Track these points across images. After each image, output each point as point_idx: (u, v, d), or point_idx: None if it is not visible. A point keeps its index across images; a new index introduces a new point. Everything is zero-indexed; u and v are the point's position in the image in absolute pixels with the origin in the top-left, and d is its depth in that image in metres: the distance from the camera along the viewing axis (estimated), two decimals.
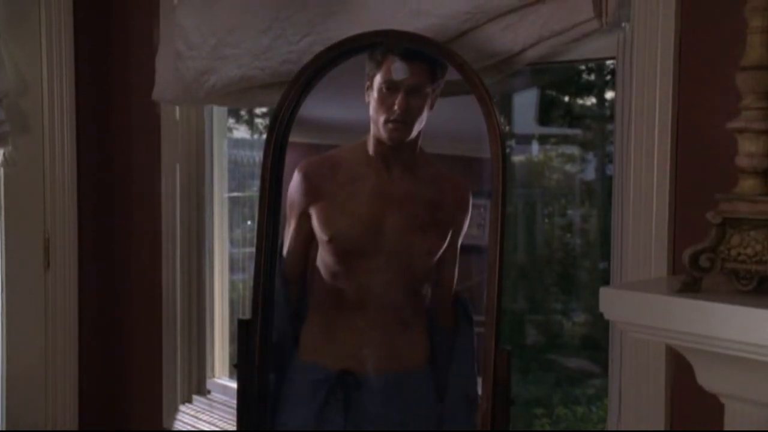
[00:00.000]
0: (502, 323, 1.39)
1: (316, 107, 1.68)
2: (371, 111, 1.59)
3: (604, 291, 1.16)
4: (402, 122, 1.57)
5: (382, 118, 1.57)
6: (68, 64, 2.46)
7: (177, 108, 2.28)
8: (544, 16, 1.46)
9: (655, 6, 1.36)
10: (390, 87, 1.55)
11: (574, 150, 3.85)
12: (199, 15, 2.04)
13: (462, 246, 1.78)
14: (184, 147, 2.29)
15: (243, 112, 2.69)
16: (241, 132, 2.86)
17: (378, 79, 1.56)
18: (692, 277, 1.10)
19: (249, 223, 2.51)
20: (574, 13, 1.43)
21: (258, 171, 2.49)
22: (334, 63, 1.59)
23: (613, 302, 1.16)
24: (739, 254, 1.07)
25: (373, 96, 1.57)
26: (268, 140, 1.62)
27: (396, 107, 1.55)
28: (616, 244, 1.47)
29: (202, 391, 2.33)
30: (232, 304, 2.39)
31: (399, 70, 1.55)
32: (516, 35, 1.50)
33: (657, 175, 1.38)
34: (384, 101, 1.56)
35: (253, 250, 2.46)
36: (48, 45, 2.43)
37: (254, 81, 1.90)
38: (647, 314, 1.11)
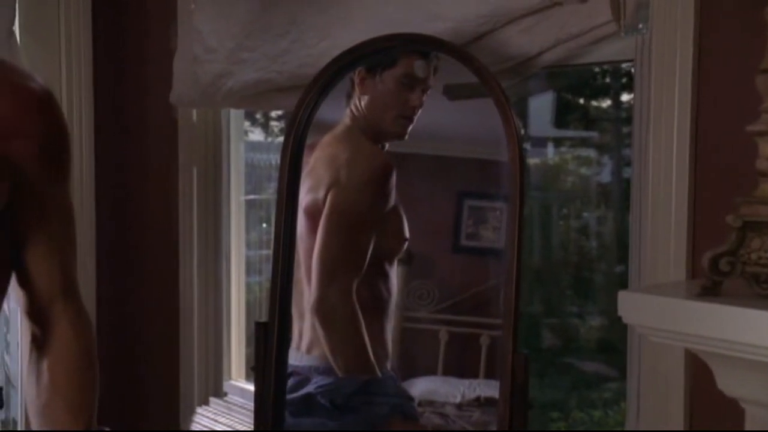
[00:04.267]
0: (519, 327, 1.39)
1: (332, 109, 1.69)
2: (374, 103, 1.60)
3: (622, 295, 1.16)
4: (411, 120, 1.58)
5: (392, 113, 1.59)
6: (87, 68, 2.48)
7: (194, 111, 2.28)
8: (561, 19, 1.46)
9: (674, 8, 1.36)
10: (407, 83, 1.56)
11: (589, 153, 3.85)
12: (216, 19, 2.05)
13: (478, 249, 1.78)
14: (201, 150, 2.30)
15: (258, 115, 2.71)
16: (257, 135, 2.87)
17: (393, 73, 1.57)
18: (712, 281, 1.09)
19: (264, 225, 2.52)
20: (592, 15, 1.43)
21: (273, 174, 2.52)
22: (351, 66, 1.59)
23: (631, 306, 1.15)
24: (759, 258, 1.07)
25: (381, 89, 1.58)
26: (285, 143, 1.63)
27: (412, 104, 1.57)
28: (634, 247, 1.46)
29: (219, 393, 2.34)
30: (248, 306, 2.39)
31: (420, 67, 1.56)
32: (533, 38, 1.50)
33: (676, 178, 1.37)
34: (398, 96, 1.57)
35: (269, 252, 2.48)
36: (67, 49, 2.45)
37: (271, 84, 1.91)
38: (667, 318, 1.10)
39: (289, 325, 1.66)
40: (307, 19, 1.82)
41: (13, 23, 2.31)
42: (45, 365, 1.15)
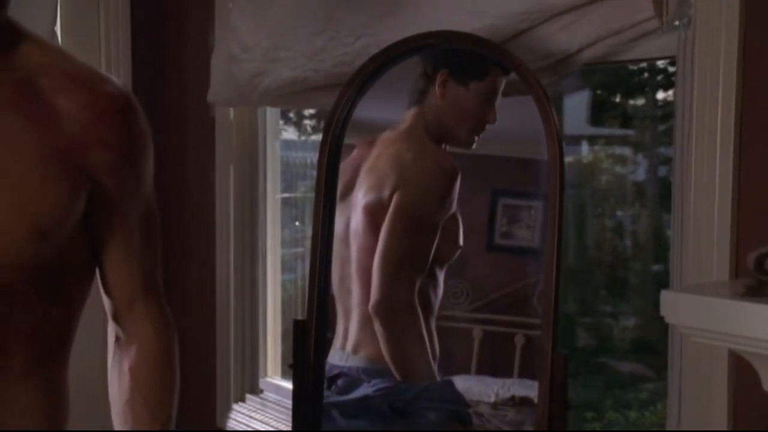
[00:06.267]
0: (561, 327, 1.38)
1: (369, 108, 1.69)
2: (453, 110, 1.60)
3: (665, 295, 1.15)
4: (481, 133, 1.60)
5: (469, 124, 1.59)
6: (125, 67, 2.50)
7: (231, 110, 2.30)
8: (602, 16, 1.44)
9: (718, 3, 1.34)
10: (490, 99, 1.57)
11: (624, 151, 3.81)
12: (253, 18, 2.06)
13: (512, 247, 1.77)
14: (238, 148, 2.31)
15: (292, 114, 2.71)
16: (290, 133, 2.88)
17: (481, 86, 1.57)
18: (757, 280, 1.07)
19: (297, 223, 2.53)
20: (634, 11, 1.41)
21: (306, 172, 2.52)
22: (390, 64, 1.59)
23: (674, 306, 1.14)
24: None
25: (465, 98, 1.58)
26: (323, 142, 1.63)
27: (489, 119, 1.57)
28: (675, 247, 1.44)
29: (255, 390, 2.35)
30: (282, 304, 2.40)
31: (502, 83, 1.57)
32: (573, 35, 1.48)
33: (719, 176, 1.35)
34: (480, 109, 1.57)
35: (301, 250, 2.48)
36: (106, 49, 2.48)
37: (308, 83, 1.91)
38: (711, 319, 1.09)
39: (327, 323, 1.66)
40: (344, 17, 1.82)
41: (54, 24, 2.34)
42: (126, 366, 1.15)
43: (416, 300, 1.60)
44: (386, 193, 1.62)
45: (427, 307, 1.64)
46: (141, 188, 1.12)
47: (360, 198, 1.67)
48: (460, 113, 1.59)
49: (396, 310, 1.60)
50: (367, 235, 1.65)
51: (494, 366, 1.80)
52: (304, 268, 2.45)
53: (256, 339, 2.34)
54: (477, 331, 1.76)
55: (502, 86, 1.58)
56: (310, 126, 2.86)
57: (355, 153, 1.73)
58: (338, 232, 1.71)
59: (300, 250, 2.52)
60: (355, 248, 1.68)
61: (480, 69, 1.56)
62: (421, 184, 1.62)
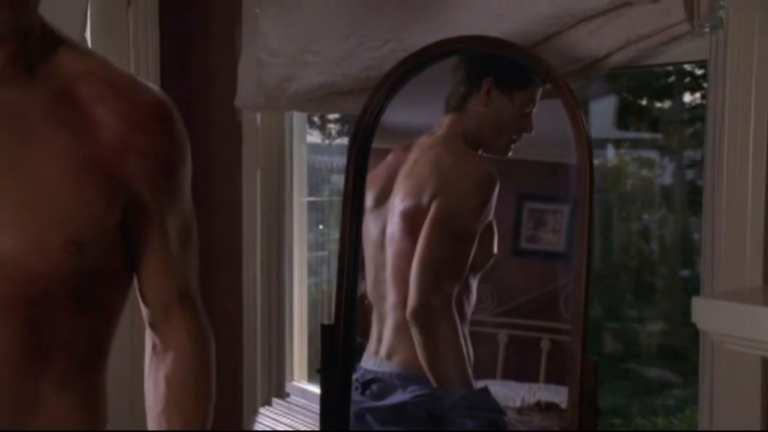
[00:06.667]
0: (588, 333, 1.37)
1: (396, 112, 1.69)
2: (495, 118, 1.60)
3: (696, 301, 1.14)
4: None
5: (510, 133, 1.59)
6: (154, 74, 2.52)
7: (258, 114, 2.31)
8: (632, 20, 1.43)
9: (750, 5, 1.33)
10: (528, 108, 1.57)
11: (650, 155, 3.78)
12: (280, 22, 2.07)
13: (538, 252, 1.76)
14: (265, 153, 2.32)
15: (316, 118, 2.72)
16: (314, 137, 2.88)
17: (524, 96, 1.57)
18: None
19: (321, 227, 2.53)
20: (664, 15, 1.40)
21: (330, 176, 2.53)
22: (418, 69, 1.58)
23: (707, 313, 1.13)
24: None
25: (507, 108, 1.58)
26: (350, 146, 1.63)
27: (527, 129, 1.58)
28: (706, 252, 1.43)
29: (282, 394, 2.35)
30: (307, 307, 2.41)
31: (539, 94, 1.57)
32: (602, 39, 1.47)
33: (752, 181, 1.34)
34: (516, 118, 1.58)
35: (325, 253, 2.49)
36: (135, 54, 2.50)
37: (335, 87, 1.92)
38: (744, 326, 1.08)
39: (355, 328, 1.66)
40: (371, 21, 1.82)
41: (84, 29, 2.37)
42: (162, 374, 1.15)
43: (454, 307, 1.60)
44: (425, 199, 1.62)
45: (460, 315, 1.64)
46: (178, 197, 1.12)
47: (397, 203, 1.67)
48: (501, 122, 1.59)
49: (434, 317, 1.61)
50: (404, 240, 1.65)
51: (520, 371, 1.79)
52: (329, 272, 2.46)
53: (282, 342, 2.34)
54: (502, 336, 1.75)
55: (539, 95, 1.58)
56: (335, 130, 2.86)
57: (390, 158, 1.73)
58: (373, 237, 1.71)
59: (324, 253, 2.52)
60: (390, 253, 1.69)
61: (523, 78, 1.56)
62: (461, 192, 1.63)
